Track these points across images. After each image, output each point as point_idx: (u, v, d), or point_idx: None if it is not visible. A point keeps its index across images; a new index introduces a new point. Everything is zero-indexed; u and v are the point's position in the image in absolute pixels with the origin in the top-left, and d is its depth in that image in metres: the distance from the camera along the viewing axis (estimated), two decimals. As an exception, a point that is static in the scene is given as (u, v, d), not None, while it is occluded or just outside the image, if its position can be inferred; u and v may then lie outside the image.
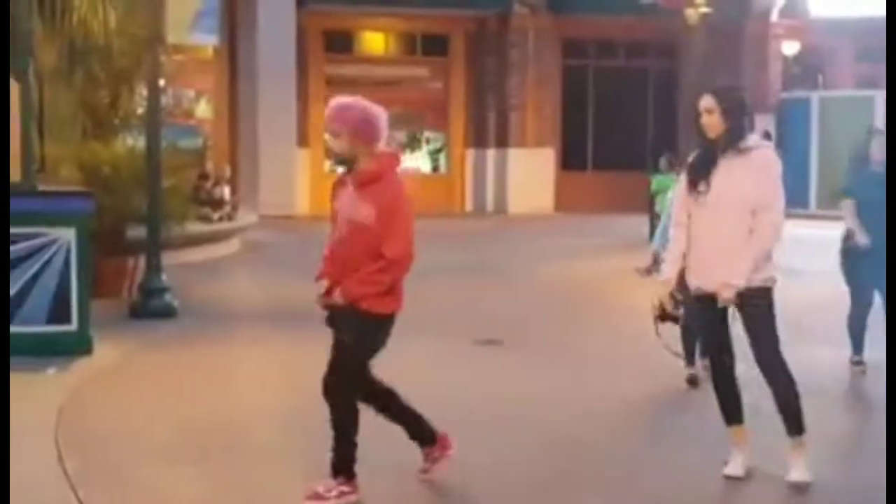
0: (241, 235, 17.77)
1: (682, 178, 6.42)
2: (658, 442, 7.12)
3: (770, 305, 6.17)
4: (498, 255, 17.06)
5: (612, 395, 8.24)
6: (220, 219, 17.14)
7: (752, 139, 6.29)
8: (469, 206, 24.82)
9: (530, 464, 6.56)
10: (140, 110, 13.21)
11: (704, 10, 21.42)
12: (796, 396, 6.16)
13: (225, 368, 9.25)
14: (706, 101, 6.22)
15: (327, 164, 24.55)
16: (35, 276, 9.13)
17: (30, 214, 9.16)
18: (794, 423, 6.15)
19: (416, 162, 25.36)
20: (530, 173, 24.32)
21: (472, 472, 6.25)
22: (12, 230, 9.03)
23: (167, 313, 11.26)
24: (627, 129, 23.79)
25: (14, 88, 9.26)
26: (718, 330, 6.24)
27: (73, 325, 9.28)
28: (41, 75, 13.07)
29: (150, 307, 11.26)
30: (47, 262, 9.18)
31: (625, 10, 23.57)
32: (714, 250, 6.15)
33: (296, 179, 23.14)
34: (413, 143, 25.45)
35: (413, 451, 6.12)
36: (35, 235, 9.15)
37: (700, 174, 6.25)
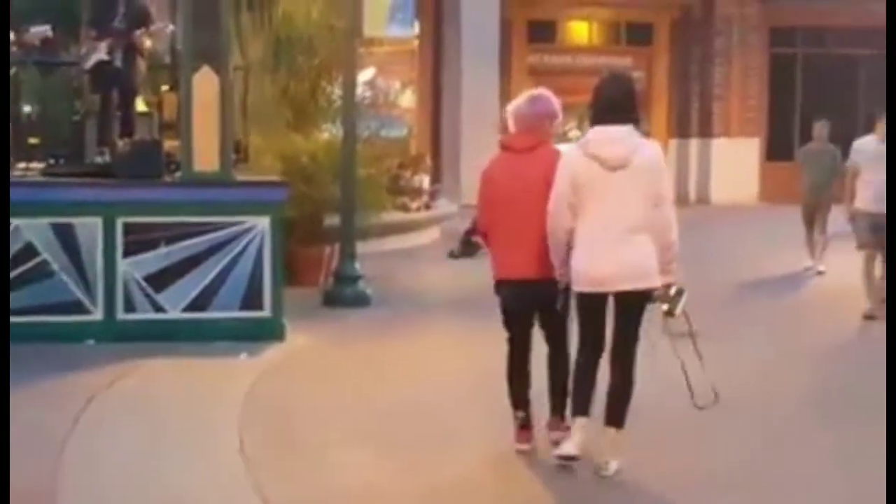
0: (441, 224, 17.96)
1: None
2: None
3: None
4: (699, 244, 16.72)
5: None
6: (419, 208, 17.33)
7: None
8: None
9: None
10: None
11: (917, -6, 20.53)
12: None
13: (413, 357, 9.37)
14: None
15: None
16: (230, 264, 9.48)
17: (226, 204, 9.54)
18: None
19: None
20: (734, 163, 23.87)
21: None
22: (209, 219, 9.43)
23: (360, 302, 11.47)
24: (837, 119, 23.02)
25: (213, 82, 9.60)
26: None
27: (267, 312, 9.58)
28: (247, 69, 13.52)
29: (343, 295, 11.48)
30: (242, 250, 9.50)
31: (835, -5, 22.90)
32: None
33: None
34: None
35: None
36: (231, 224, 9.49)
37: None
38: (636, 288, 6.11)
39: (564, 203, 6.16)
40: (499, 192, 6.48)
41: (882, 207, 10.91)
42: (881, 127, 11.34)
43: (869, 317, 10.99)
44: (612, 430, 6.16)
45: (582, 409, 6.24)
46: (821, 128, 14.94)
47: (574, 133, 23.02)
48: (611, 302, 6.25)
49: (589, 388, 6.26)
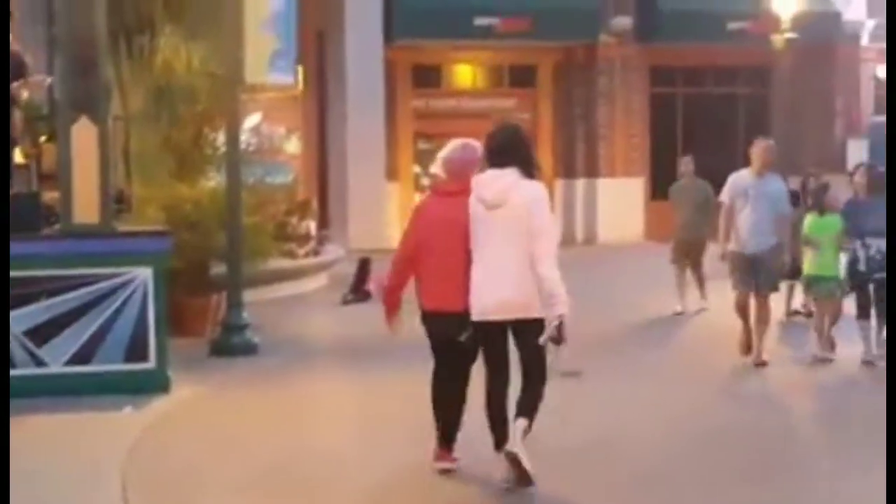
0: (329, 270, 17.87)
1: None
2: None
3: None
4: (584, 284, 16.89)
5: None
6: (306, 254, 17.22)
7: None
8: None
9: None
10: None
11: (790, 35, 21.11)
12: None
13: (301, 406, 9.28)
14: None
15: (416, 198, 24.69)
16: (113, 316, 9.31)
17: (107, 255, 9.39)
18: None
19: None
20: (619, 203, 24.20)
21: None
22: (91, 271, 9.27)
23: (248, 350, 11.34)
24: (718, 157, 23.56)
25: (92, 132, 9.48)
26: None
27: (151, 363, 9.42)
28: (128, 118, 13.38)
29: (230, 344, 11.34)
30: (125, 302, 9.35)
31: (712, 36, 23.34)
32: None
33: (385, 213, 23.23)
34: (502, 174, 25.39)
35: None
36: (113, 275, 9.33)
37: None
38: (518, 317, 6.54)
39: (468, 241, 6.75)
40: (431, 227, 6.91)
41: (757, 246, 10.65)
42: (757, 161, 10.80)
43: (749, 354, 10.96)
44: (522, 421, 6.47)
45: (503, 436, 6.59)
46: (686, 164, 14.94)
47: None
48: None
49: (499, 413, 6.67)
